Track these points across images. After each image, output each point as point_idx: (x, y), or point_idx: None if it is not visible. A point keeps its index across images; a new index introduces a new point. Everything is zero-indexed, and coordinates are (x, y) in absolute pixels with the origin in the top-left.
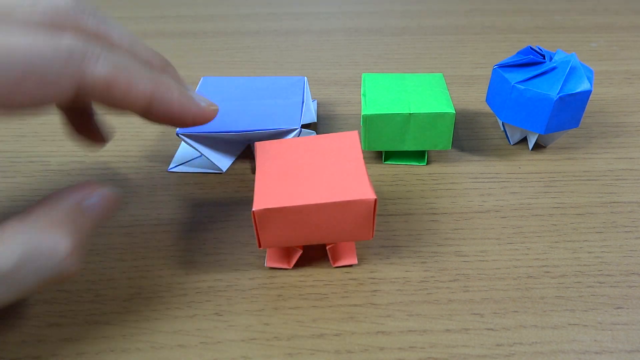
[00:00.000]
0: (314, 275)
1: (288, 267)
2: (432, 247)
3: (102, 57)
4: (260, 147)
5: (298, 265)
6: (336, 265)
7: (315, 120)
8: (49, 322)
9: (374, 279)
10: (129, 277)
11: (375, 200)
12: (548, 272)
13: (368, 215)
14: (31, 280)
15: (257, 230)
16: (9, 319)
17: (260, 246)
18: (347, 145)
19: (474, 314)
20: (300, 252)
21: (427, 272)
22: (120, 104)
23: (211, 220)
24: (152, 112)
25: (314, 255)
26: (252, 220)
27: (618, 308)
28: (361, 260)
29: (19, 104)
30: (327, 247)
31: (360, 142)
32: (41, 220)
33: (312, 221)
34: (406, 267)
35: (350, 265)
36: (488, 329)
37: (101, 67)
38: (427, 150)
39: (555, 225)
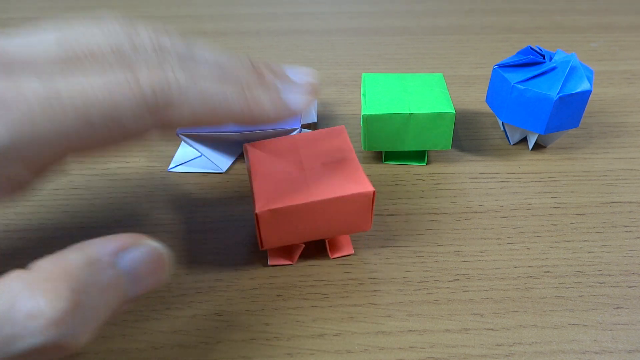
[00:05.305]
0: (314, 275)
1: (291, 263)
2: (432, 247)
3: (184, 95)
4: (251, 148)
5: (298, 264)
6: (334, 256)
7: (316, 121)
8: None
9: (374, 279)
10: None
11: (374, 192)
12: (548, 272)
13: (367, 207)
14: None
15: (259, 231)
16: None
17: (262, 247)
18: (337, 140)
19: (474, 314)
20: (302, 248)
21: (427, 272)
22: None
23: (211, 220)
24: (245, 125)
25: (314, 254)
26: (255, 222)
27: (618, 308)
28: (361, 260)
29: (95, 150)
30: (326, 240)
31: (348, 136)
32: (31, 276)
33: (313, 218)
34: (406, 267)
35: (348, 255)
36: (488, 329)
37: (186, 109)
38: (427, 150)
39: (555, 225)
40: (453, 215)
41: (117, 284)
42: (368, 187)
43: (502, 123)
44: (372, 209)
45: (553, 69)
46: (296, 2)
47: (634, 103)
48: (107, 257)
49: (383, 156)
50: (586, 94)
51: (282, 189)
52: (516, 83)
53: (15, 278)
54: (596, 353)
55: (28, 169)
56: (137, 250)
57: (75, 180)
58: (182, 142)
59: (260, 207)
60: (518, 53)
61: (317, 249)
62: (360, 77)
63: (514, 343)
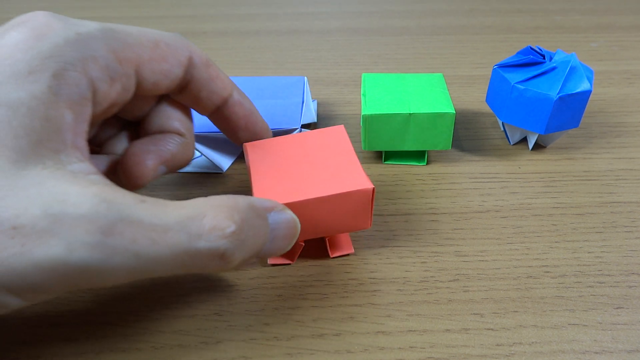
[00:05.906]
0: (314, 275)
1: (291, 262)
2: (432, 247)
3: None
4: (251, 147)
5: (298, 264)
6: (334, 255)
7: (315, 120)
8: (49, 322)
9: (374, 279)
10: None
11: (373, 189)
12: (548, 272)
13: (366, 204)
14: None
15: None
16: (9, 319)
17: None
18: (336, 139)
19: (474, 314)
20: (302, 247)
21: (427, 272)
22: (212, 86)
23: None
24: (228, 107)
25: (314, 254)
26: None
27: (618, 308)
28: (361, 260)
29: (155, 71)
30: (326, 239)
31: (347, 135)
32: (214, 201)
33: (312, 215)
34: (406, 267)
35: (348, 255)
36: (488, 329)
37: (201, 51)
38: (427, 150)
39: (555, 225)
40: (453, 215)
41: (263, 233)
42: (367, 184)
43: (502, 123)
44: (371, 206)
45: (553, 69)
46: (296, 2)
47: (634, 103)
48: (262, 209)
49: (383, 156)
50: (586, 94)
51: (282, 186)
52: (516, 83)
53: (203, 199)
54: (596, 353)
55: (114, 54)
56: (283, 214)
57: None
58: None
59: None
60: (518, 53)
61: (317, 249)
62: (360, 77)
63: (514, 343)
